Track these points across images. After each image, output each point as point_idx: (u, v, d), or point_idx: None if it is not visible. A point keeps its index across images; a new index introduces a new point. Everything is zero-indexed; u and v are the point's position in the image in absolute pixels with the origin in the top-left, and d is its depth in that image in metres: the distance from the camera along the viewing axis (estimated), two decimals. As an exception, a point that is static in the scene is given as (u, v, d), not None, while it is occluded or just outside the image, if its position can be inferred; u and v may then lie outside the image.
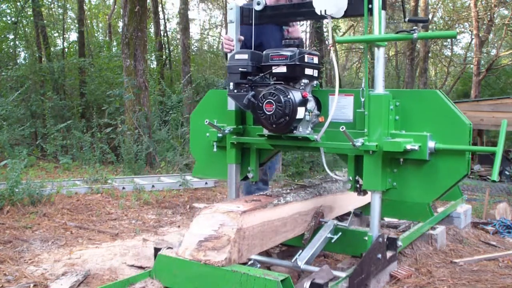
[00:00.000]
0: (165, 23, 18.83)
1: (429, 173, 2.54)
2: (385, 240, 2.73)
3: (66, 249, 3.49)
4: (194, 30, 26.90)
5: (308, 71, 2.69)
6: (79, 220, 4.35)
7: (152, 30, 16.77)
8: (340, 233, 2.87)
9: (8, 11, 13.86)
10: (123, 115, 8.84)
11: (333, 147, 2.78)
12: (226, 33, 3.15)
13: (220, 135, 3.05)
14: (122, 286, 2.38)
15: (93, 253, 3.36)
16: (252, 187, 3.73)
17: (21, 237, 3.72)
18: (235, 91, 2.79)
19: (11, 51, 14.19)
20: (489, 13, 17.86)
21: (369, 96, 2.58)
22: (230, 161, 3.12)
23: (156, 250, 2.55)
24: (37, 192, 4.70)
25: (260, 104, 2.64)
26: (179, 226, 4.34)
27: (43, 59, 12.98)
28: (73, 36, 18.83)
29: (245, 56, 2.78)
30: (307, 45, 11.39)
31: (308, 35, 12.54)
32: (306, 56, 2.65)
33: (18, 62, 14.05)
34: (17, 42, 14.35)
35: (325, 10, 2.72)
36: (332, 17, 2.75)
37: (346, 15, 2.74)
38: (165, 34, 18.05)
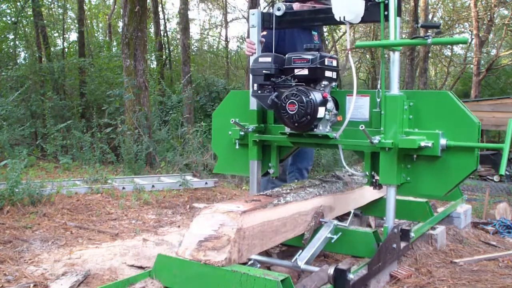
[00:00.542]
0: (165, 23, 18.85)
1: (441, 168, 2.72)
2: (399, 231, 2.92)
3: (66, 249, 3.49)
4: (194, 30, 26.93)
5: (328, 73, 2.89)
6: (79, 220, 4.35)
7: (152, 30, 16.78)
8: (340, 233, 2.88)
9: (8, 11, 13.86)
10: (123, 115, 8.83)
11: (351, 144, 2.95)
12: (249, 36, 3.34)
13: (242, 133, 3.25)
14: (122, 286, 2.38)
15: (93, 253, 3.36)
16: (269, 185, 3.83)
17: (21, 237, 3.72)
18: (259, 92, 2.95)
19: (11, 51, 14.18)
20: (489, 13, 17.88)
21: (385, 96, 2.76)
22: (252, 157, 3.30)
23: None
24: (37, 192, 4.70)
25: (283, 104, 2.82)
26: (179, 226, 4.34)
27: (43, 59, 12.98)
28: (73, 36, 18.86)
29: (269, 59, 2.93)
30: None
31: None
32: (326, 59, 2.85)
33: (18, 62, 14.05)
34: (17, 42, 14.35)
35: (344, 17, 2.86)
36: (350, 23, 2.89)
37: (363, 21, 2.89)
38: (165, 34, 18.07)
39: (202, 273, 2.29)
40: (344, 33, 20.08)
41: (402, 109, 2.74)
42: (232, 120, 3.13)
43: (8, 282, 2.79)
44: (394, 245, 2.83)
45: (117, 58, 12.80)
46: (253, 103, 3.27)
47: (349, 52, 3.00)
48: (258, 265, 2.71)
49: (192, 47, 19.79)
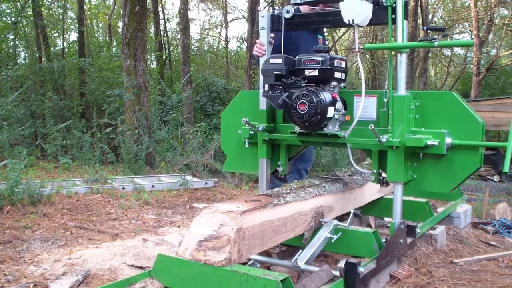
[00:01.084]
0: (165, 23, 18.85)
1: (446, 166, 2.82)
2: (406, 227, 3.01)
3: (66, 249, 3.49)
4: (194, 30, 26.95)
5: (337, 75, 2.98)
6: (79, 220, 4.35)
7: (152, 30, 16.77)
8: (340, 233, 2.89)
9: (8, 11, 13.86)
10: (123, 115, 8.83)
11: (359, 143, 3.04)
12: (259, 37, 3.43)
13: (252, 132, 3.35)
14: (122, 286, 2.38)
15: (93, 253, 3.36)
16: (269, 185, 3.86)
17: (21, 237, 3.72)
18: (270, 92, 3.04)
19: (11, 51, 14.19)
20: (489, 13, 17.87)
21: (393, 97, 2.86)
22: (261, 156, 3.40)
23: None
24: (37, 192, 4.70)
25: (294, 104, 2.92)
26: (179, 226, 4.34)
27: (43, 59, 12.98)
28: (73, 36, 18.84)
29: (279, 61, 3.01)
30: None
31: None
32: (336, 61, 2.94)
33: (18, 62, 14.05)
34: (17, 42, 14.34)
35: (353, 20, 2.94)
36: (358, 26, 2.96)
37: (371, 23, 3.00)
38: (165, 34, 18.06)
39: (202, 273, 2.29)
40: (344, 33, 20.10)
41: (409, 109, 2.83)
42: (244, 120, 3.24)
43: (8, 282, 2.79)
44: (401, 240, 2.94)
45: (117, 58, 12.79)
46: (263, 103, 3.36)
47: (358, 53, 3.10)
48: (258, 265, 2.71)
49: (192, 47, 19.80)
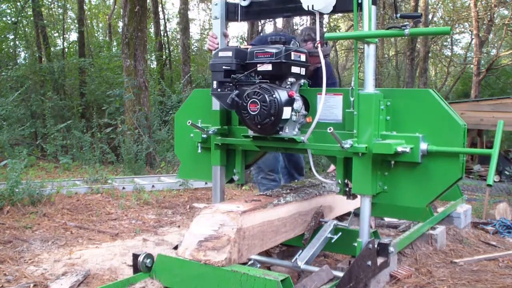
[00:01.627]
0: (165, 23, 18.85)
1: (421, 176, 2.43)
2: (376, 246, 2.60)
3: (66, 249, 3.49)
4: (194, 30, 26.91)
5: (294, 69, 2.58)
6: (79, 220, 4.35)
7: (152, 30, 16.78)
8: (340, 233, 2.86)
9: (8, 11, 13.87)
10: (123, 115, 8.84)
11: (321, 149, 2.66)
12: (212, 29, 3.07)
13: (204, 136, 2.96)
14: (122, 286, 2.38)
15: (93, 253, 3.36)
16: (267, 184, 3.84)
17: (21, 237, 3.72)
18: (219, 90, 2.66)
19: (11, 51, 14.20)
20: (489, 13, 17.87)
21: (359, 95, 2.47)
22: (214, 163, 3.03)
23: (135, 256, 2.50)
24: (37, 192, 4.70)
25: (245, 104, 2.53)
26: (179, 226, 4.34)
27: (43, 59, 12.99)
28: (73, 36, 18.84)
29: (229, 54, 2.63)
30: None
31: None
32: (292, 53, 2.54)
33: (18, 62, 14.06)
34: (17, 42, 14.36)
35: (312, 5, 2.61)
36: (320, 13, 2.65)
37: (335, 10, 2.64)
38: (165, 34, 18.06)
39: (202, 273, 2.29)
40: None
41: (378, 109, 2.44)
42: (189, 122, 2.81)
43: (8, 282, 2.79)
44: (369, 262, 2.51)
45: (117, 58, 12.80)
46: (216, 103, 2.96)
47: (319, 45, 2.66)
48: (258, 265, 2.71)
49: (192, 47, 19.78)
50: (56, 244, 3.61)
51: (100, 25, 21.21)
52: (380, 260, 2.61)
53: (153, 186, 6.10)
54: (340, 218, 3.42)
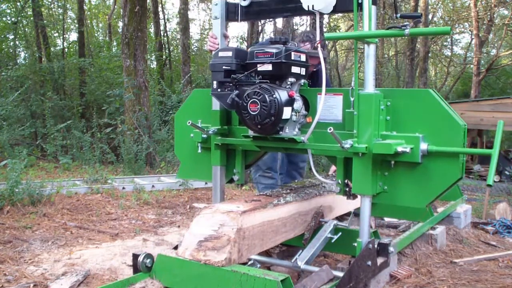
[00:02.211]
0: (165, 23, 18.85)
1: (421, 176, 2.43)
2: (376, 246, 2.59)
3: (66, 249, 3.49)
4: (194, 30, 26.92)
5: (295, 69, 2.59)
6: (79, 220, 4.35)
7: (152, 30, 16.78)
8: (340, 233, 2.86)
9: (8, 11, 13.88)
10: (123, 115, 8.84)
11: (321, 149, 2.66)
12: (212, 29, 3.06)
13: (204, 136, 2.95)
14: (122, 286, 2.38)
15: (93, 253, 3.36)
16: (265, 182, 3.83)
17: (21, 237, 3.72)
18: (219, 90, 2.66)
19: (11, 51, 14.20)
20: (489, 13, 17.87)
21: (359, 95, 2.47)
22: (214, 163, 3.02)
23: (135, 256, 2.50)
24: (37, 192, 4.70)
25: (245, 104, 2.53)
26: (179, 226, 4.34)
27: (43, 59, 13.00)
28: (73, 36, 18.85)
29: (229, 54, 2.63)
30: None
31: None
32: (293, 53, 2.54)
33: (18, 62, 14.06)
34: (17, 42, 14.37)
35: (312, 5, 2.61)
36: (321, 13, 2.64)
37: (335, 10, 2.64)
38: (165, 34, 18.07)
39: (202, 273, 2.29)
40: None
41: (378, 109, 2.44)
42: (189, 122, 2.81)
43: (8, 282, 2.79)
44: (369, 262, 2.50)
45: (117, 58, 12.81)
46: (216, 103, 2.96)
47: (319, 44, 2.65)
48: (258, 265, 2.71)
49: (192, 47, 19.79)
50: (56, 244, 3.61)
51: (100, 25, 21.22)
52: (380, 260, 2.60)
53: (153, 186, 6.10)
54: (340, 218, 3.42)
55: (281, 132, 2.61)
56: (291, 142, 2.64)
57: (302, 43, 3.38)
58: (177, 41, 18.75)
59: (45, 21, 14.14)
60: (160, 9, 17.84)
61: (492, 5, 17.35)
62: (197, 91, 3.22)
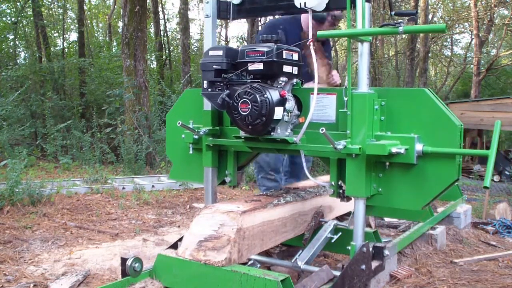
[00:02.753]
0: (165, 23, 18.86)
1: (417, 178, 2.36)
2: (371, 249, 2.52)
3: (66, 249, 3.49)
4: (194, 30, 26.93)
5: (286, 68, 2.52)
6: (79, 220, 4.35)
7: (152, 30, 16.79)
8: (340, 233, 2.86)
9: (8, 11, 13.89)
10: (123, 115, 8.85)
11: (314, 150, 2.58)
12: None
13: (196, 137, 2.87)
14: (122, 286, 2.38)
15: (93, 253, 3.36)
16: (268, 184, 3.87)
17: (21, 237, 3.72)
18: (209, 90, 2.60)
19: (11, 51, 14.21)
20: (489, 13, 17.88)
21: (352, 94, 2.40)
22: (206, 164, 2.95)
23: (123, 260, 2.43)
24: (37, 192, 4.70)
25: (235, 104, 2.46)
26: (179, 226, 4.34)
27: (43, 59, 13.00)
28: (73, 36, 18.87)
29: (220, 53, 2.56)
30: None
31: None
32: (284, 52, 2.48)
33: (18, 62, 14.08)
34: (17, 42, 14.38)
35: (304, 3, 2.55)
36: (313, 10, 2.58)
37: (328, 8, 2.58)
38: (165, 34, 18.07)
39: (202, 273, 2.29)
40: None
41: (372, 109, 2.37)
42: (179, 123, 2.73)
43: (8, 282, 2.79)
44: (363, 266, 2.44)
45: (117, 58, 12.81)
46: (207, 103, 2.88)
47: (311, 43, 2.56)
48: (258, 265, 2.71)
49: (192, 47, 19.79)
50: (56, 244, 3.61)
51: (100, 25, 21.23)
52: (375, 264, 2.55)
53: (153, 186, 6.10)
54: (340, 218, 3.42)
55: (272, 133, 2.56)
56: (283, 143, 2.58)
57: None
58: (177, 41, 18.77)
59: (45, 21, 14.16)
60: (160, 9, 17.85)
61: (492, 5, 17.36)
62: (188, 91, 3.16)
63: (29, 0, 12.97)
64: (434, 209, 3.91)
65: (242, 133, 2.66)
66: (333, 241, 2.82)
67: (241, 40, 21.25)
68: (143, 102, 8.60)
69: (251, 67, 2.49)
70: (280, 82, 2.55)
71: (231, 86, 2.55)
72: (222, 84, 2.56)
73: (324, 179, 2.98)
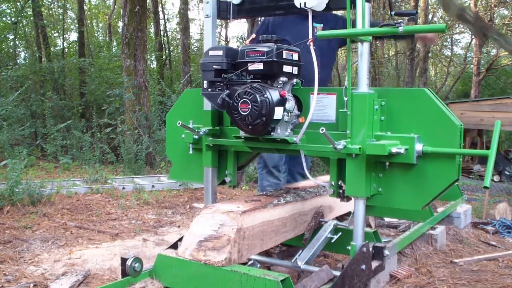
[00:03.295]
0: (165, 23, 18.87)
1: (417, 178, 2.37)
2: (371, 249, 2.52)
3: (66, 249, 3.49)
4: (194, 30, 26.94)
5: (286, 68, 2.53)
6: (79, 220, 4.35)
7: (152, 30, 16.79)
8: (340, 233, 2.86)
9: (8, 11, 13.89)
10: (123, 115, 8.85)
11: (314, 150, 2.59)
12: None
13: (196, 137, 2.87)
14: (122, 286, 2.38)
15: (93, 253, 3.36)
16: (270, 180, 3.85)
17: (21, 237, 3.72)
18: (209, 90, 2.61)
19: (11, 51, 14.21)
20: (489, 13, 17.88)
21: (352, 94, 2.40)
22: (206, 164, 2.95)
23: (123, 260, 2.43)
24: (37, 192, 4.70)
25: (235, 104, 2.47)
26: (179, 226, 4.34)
27: (43, 59, 13.00)
28: (73, 36, 18.87)
29: (220, 53, 2.57)
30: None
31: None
32: (284, 52, 2.49)
33: (18, 62, 14.08)
34: (17, 42, 14.38)
35: (304, 3, 2.55)
36: (313, 10, 2.58)
37: (328, 8, 2.60)
38: (165, 34, 18.08)
39: (202, 273, 2.29)
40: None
41: (372, 109, 2.38)
42: (179, 123, 2.74)
43: (8, 282, 2.79)
44: (363, 266, 2.44)
45: (117, 58, 12.81)
46: (207, 103, 2.90)
47: (311, 43, 2.55)
48: (258, 265, 2.71)
49: (192, 47, 19.79)
50: (56, 244, 3.61)
51: (100, 25, 21.23)
52: (375, 264, 2.55)
53: (153, 186, 6.10)
54: (340, 218, 3.42)
55: (272, 133, 2.56)
56: (283, 143, 2.58)
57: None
58: (177, 41, 18.76)
59: (45, 21, 14.16)
60: (160, 9, 17.85)
61: (492, 5, 17.36)
62: (188, 91, 3.16)
63: (29, 0, 12.97)
64: (434, 209, 3.91)
65: (242, 133, 2.66)
66: (333, 241, 2.82)
67: (241, 40, 21.26)
68: (143, 102, 8.60)
69: (251, 67, 2.50)
70: (280, 82, 2.56)
71: (231, 86, 2.56)
72: (222, 84, 2.57)
73: (324, 179, 2.98)
